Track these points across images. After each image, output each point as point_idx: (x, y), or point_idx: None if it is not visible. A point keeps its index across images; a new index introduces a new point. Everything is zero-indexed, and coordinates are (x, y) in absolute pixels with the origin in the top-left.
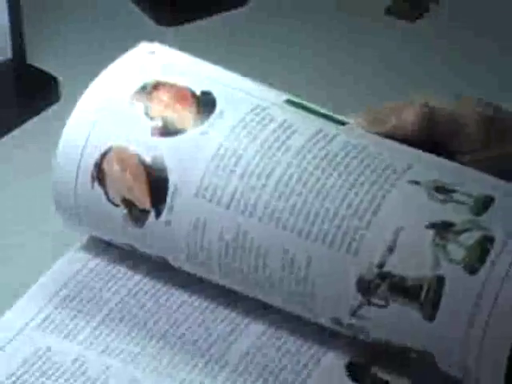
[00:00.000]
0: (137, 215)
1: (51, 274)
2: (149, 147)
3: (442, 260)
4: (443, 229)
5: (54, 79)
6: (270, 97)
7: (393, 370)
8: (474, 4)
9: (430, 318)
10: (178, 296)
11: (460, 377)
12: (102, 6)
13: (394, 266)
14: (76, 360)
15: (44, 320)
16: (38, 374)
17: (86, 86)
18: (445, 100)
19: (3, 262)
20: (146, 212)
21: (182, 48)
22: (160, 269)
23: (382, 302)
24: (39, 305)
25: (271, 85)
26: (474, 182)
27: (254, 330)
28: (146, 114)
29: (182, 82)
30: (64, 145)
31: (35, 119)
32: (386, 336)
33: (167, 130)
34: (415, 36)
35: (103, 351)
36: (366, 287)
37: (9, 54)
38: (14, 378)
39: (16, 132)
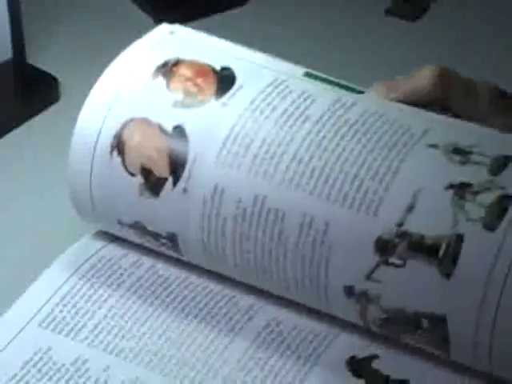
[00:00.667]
0: (154, 183)
1: (51, 271)
2: (170, 117)
3: (460, 218)
4: (461, 189)
5: (54, 79)
6: (289, 70)
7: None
8: (474, 4)
9: (448, 274)
10: (179, 292)
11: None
12: (101, 6)
13: (413, 224)
14: (77, 360)
15: (45, 318)
16: (39, 375)
17: (86, 86)
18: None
19: (3, 260)
20: (163, 180)
21: None
22: (161, 265)
23: (400, 262)
24: (40, 302)
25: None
26: (491, 141)
27: (255, 326)
28: (168, 87)
29: (201, 58)
30: (85, 115)
31: (35, 119)
32: (399, 302)
33: (188, 102)
34: (415, 36)
35: (104, 349)
36: (384, 247)
37: (9, 54)
38: (15, 381)
39: (16, 132)
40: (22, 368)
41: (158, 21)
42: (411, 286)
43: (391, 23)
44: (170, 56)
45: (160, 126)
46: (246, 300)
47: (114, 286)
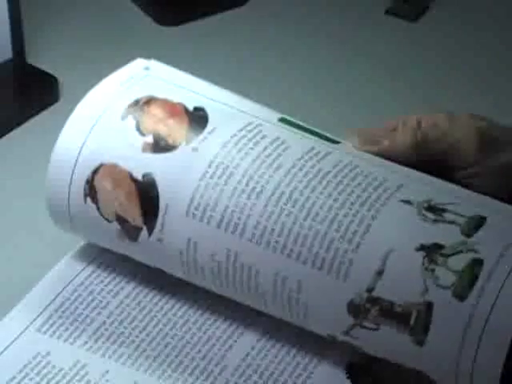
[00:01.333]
0: (130, 231)
1: (50, 276)
2: (140, 164)
3: (430, 285)
4: (433, 251)
5: (54, 79)
6: (264, 115)
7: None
8: (474, 4)
9: (420, 342)
10: (178, 299)
11: None
12: (102, 6)
13: (383, 291)
14: (76, 364)
15: (44, 323)
16: (38, 378)
17: (85, 86)
18: (439, 115)
19: (2, 264)
20: (138, 228)
21: (182, 48)
22: (159, 272)
23: (373, 326)
24: (39, 308)
25: (270, 88)
26: (466, 201)
27: (254, 333)
28: (138, 129)
29: (175, 97)
30: (56, 159)
31: (35, 119)
32: (380, 354)
33: (158, 146)
34: (415, 36)
35: (103, 355)
36: (356, 311)
37: (9, 54)
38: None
39: (16, 132)
40: (21, 371)
41: (159, 21)
42: (387, 348)
43: (391, 23)
44: (143, 94)
45: (130, 173)
46: (245, 306)
47: (113, 293)
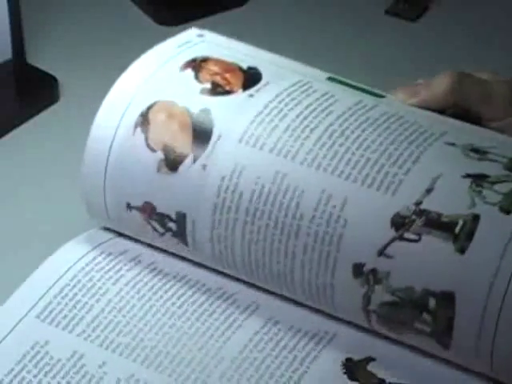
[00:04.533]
0: (173, 160)
1: (50, 262)
2: (197, 102)
3: (477, 202)
4: (479, 179)
5: (54, 79)
6: (313, 74)
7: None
8: (474, 4)
9: (463, 250)
10: (177, 289)
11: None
12: (102, 7)
13: (431, 204)
14: (73, 355)
15: (43, 310)
16: (35, 370)
17: (85, 86)
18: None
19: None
20: (183, 156)
21: None
22: (160, 263)
23: (415, 237)
24: (38, 293)
25: None
26: (508, 145)
27: (252, 325)
28: (196, 78)
29: (229, 58)
30: (112, 96)
31: (35, 119)
32: (409, 279)
33: (216, 91)
34: (415, 36)
35: (101, 344)
36: (400, 222)
37: (9, 54)
38: (11, 376)
39: (16, 132)
40: (19, 362)
41: (159, 21)
42: (424, 261)
43: (391, 23)
44: (199, 54)
45: (187, 108)
46: (244, 299)
47: (113, 280)
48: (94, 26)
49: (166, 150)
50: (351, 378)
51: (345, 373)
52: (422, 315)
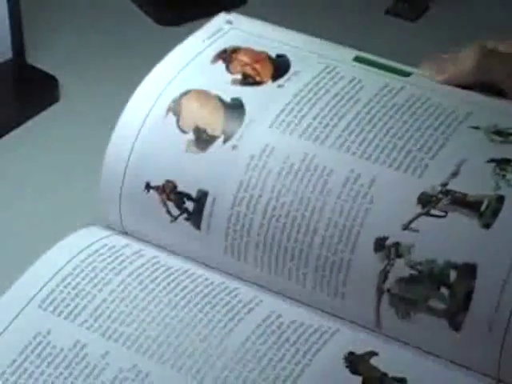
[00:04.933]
0: (204, 140)
1: (54, 252)
2: (228, 90)
3: (502, 185)
4: (503, 163)
5: (54, 79)
6: (340, 55)
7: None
8: (473, 4)
9: (488, 225)
10: (180, 281)
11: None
12: (102, 7)
13: (457, 185)
14: (76, 344)
15: (45, 299)
16: (38, 361)
17: (85, 86)
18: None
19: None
20: (213, 138)
21: None
22: (164, 257)
23: (441, 213)
24: (41, 283)
25: None
26: None
27: (254, 318)
28: (227, 69)
29: (258, 47)
30: (146, 84)
31: (35, 119)
32: (432, 252)
33: (246, 81)
34: (415, 36)
35: (103, 334)
36: (427, 200)
37: (9, 54)
38: (14, 367)
39: (16, 132)
40: (21, 353)
41: (159, 21)
42: (448, 235)
43: (391, 23)
44: (228, 44)
45: (219, 96)
46: (247, 293)
47: (116, 271)
48: (94, 26)
49: (198, 132)
50: (353, 372)
51: (347, 366)
52: (439, 290)
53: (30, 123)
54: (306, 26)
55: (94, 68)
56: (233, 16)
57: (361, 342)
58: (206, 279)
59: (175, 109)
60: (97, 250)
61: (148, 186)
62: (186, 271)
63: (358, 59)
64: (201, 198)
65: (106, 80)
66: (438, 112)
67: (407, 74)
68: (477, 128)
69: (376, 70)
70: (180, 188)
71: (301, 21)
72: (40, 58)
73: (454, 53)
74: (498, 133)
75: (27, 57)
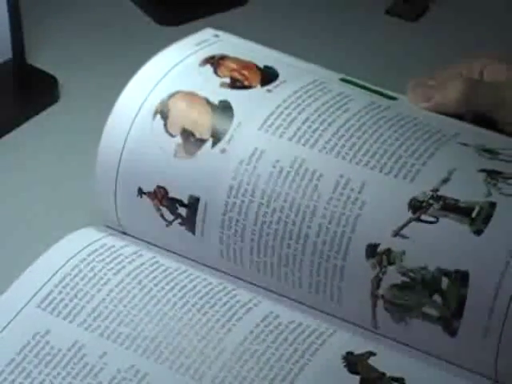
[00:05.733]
0: (192, 144)
1: (53, 252)
2: (217, 92)
3: (493, 192)
4: (493, 174)
5: (54, 79)
6: (326, 75)
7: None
8: (474, 4)
9: (479, 232)
10: (179, 281)
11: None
12: (101, 6)
13: (449, 191)
14: (74, 345)
15: (44, 299)
16: (36, 361)
17: (85, 86)
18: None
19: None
20: (202, 141)
21: None
22: (162, 258)
23: (433, 219)
24: (39, 283)
25: None
26: None
27: (253, 318)
28: (215, 72)
29: (246, 57)
30: (132, 85)
31: (35, 119)
32: (423, 259)
33: (235, 85)
34: (415, 36)
35: (101, 334)
36: (418, 205)
37: (9, 54)
38: (12, 367)
39: (16, 132)
40: (20, 353)
41: (159, 21)
42: (440, 242)
43: (391, 23)
44: (216, 52)
45: (207, 99)
46: (246, 293)
47: (114, 271)
48: (94, 26)
49: (185, 135)
50: (351, 371)
51: (345, 366)
52: (432, 297)
53: (30, 123)
54: (306, 26)
55: (94, 68)
56: (220, 32)
57: (359, 342)
58: (205, 279)
59: (162, 111)
60: (95, 250)
61: (140, 192)
62: (184, 271)
63: (343, 80)
64: (193, 204)
65: (106, 80)
66: (426, 129)
67: (393, 99)
68: (466, 145)
69: (362, 90)
70: (171, 194)
71: (301, 21)
72: (40, 58)
73: (440, 77)
74: (487, 151)
75: (27, 57)
